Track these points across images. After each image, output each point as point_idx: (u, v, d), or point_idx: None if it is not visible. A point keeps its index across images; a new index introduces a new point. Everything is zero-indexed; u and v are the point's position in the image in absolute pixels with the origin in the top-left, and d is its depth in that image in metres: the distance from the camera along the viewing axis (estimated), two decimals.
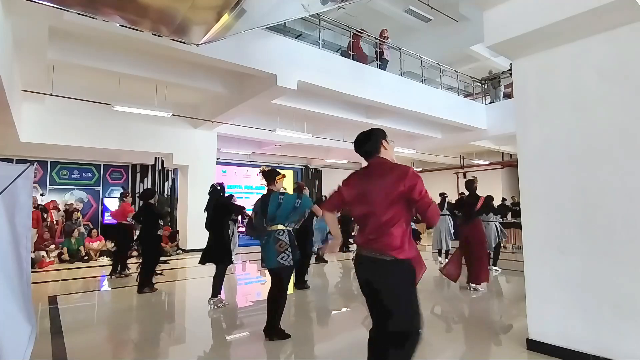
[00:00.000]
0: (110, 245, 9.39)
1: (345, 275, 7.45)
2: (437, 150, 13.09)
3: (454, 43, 11.64)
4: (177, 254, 9.80)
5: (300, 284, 5.72)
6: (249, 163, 14.82)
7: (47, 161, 11.24)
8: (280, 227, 3.57)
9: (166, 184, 11.63)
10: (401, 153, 12.61)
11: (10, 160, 8.94)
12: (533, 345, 3.22)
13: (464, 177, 16.66)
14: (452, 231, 8.24)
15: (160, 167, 11.04)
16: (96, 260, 8.97)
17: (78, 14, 3.80)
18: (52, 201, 10.73)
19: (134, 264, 7.19)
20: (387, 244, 2.01)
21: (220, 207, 4.95)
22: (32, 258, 7.10)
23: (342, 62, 7.61)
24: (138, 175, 12.47)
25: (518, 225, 7.75)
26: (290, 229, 3.65)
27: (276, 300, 3.55)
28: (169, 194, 11.86)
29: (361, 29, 8.72)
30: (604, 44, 3.01)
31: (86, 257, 8.85)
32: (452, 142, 12.21)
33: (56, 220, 10.28)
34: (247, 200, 11.69)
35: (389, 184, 2.05)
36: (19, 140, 7.79)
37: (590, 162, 3.02)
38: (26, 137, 7.88)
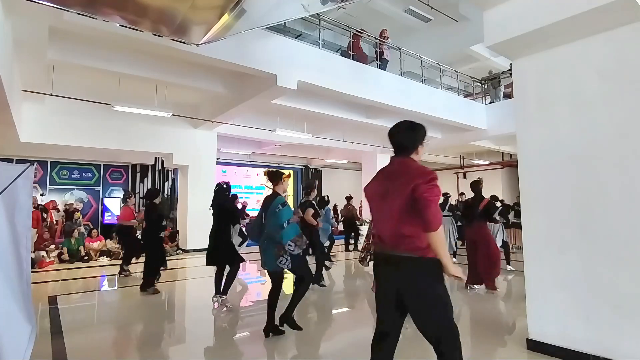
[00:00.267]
0: (112, 244, 9.40)
1: (351, 274, 7.45)
2: (437, 150, 13.09)
3: (454, 43, 11.64)
4: (177, 254, 9.80)
5: (317, 280, 5.67)
6: (249, 163, 14.83)
7: (47, 161, 11.25)
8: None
9: (166, 184, 11.63)
10: None
11: (10, 160, 8.94)
12: (533, 345, 3.22)
13: (464, 177, 16.68)
14: (456, 235, 8.25)
15: (160, 167, 11.05)
16: (96, 260, 8.97)
17: (78, 14, 3.80)
18: (52, 201, 10.73)
19: (135, 264, 7.18)
20: (412, 243, 1.93)
21: (225, 212, 4.91)
22: (32, 258, 7.10)
23: (342, 62, 7.61)
24: (138, 175, 12.48)
25: (518, 225, 7.74)
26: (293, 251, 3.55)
27: (296, 289, 3.65)
28: (169, 194, 11.86)
29: (361, 29, 8.72)
30: (604, 44, 3.01)
31: (86, 257, 8.85)
32: (452, 142, 12.21)
33: (56, 220, 10.28)
34: (247, 200, 11.68)
35: (406, 181, 1.96)
36: (19, 140, 7.79)
37: (590, 162, 3.03)
38: (26, 137, 7.88)
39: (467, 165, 15.58)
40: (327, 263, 6.67)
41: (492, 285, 5.39)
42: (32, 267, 6.32)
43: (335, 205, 12.69)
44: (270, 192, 3.71)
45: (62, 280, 7.00)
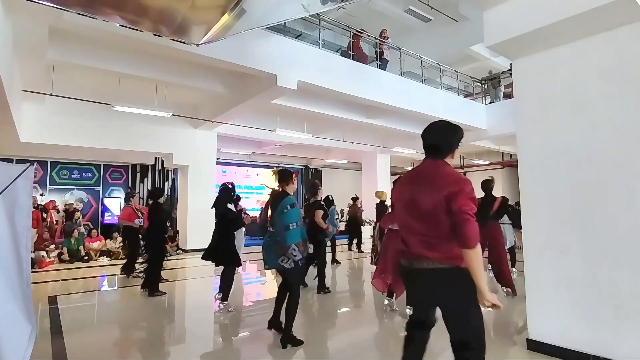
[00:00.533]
0: (112, 244, 9.39)
1: (356, 276, 7.45)
2: None
3: (454, 43, 11.64)
4: (177, 254, 9.80)
5: (322, 288, 5.54)
6: (249, 163, 14.83)
7: (47, 161, 11.25)
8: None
9: (166, 184, 11.63)
10: (401, 153, 12.61)
11: (10, 160, 8.94)
12: (533, 345, 3.22)
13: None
14: None
15: (160, 167, 11.04)
16: (96, 260, 8.97)
17: (78, 14, 3.80)
18: (52, 201, 10.73)
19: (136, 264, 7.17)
20: (442, 252, 1.81)
21: (227, 220, 4.82)
22: (32, 258, 7.10)
23: (342, 62, 7.61)
24: (138, 175, 12.48)
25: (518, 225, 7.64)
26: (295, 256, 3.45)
27: (287, 306, 3.44)
28: (169, 194, 11.86)
29: (361, 29, 8.72)
30: (604, 44, 3.01)
31: (86, 257, 8.85)
32: None
33: (56, 220, 10.28)
34: (247, 200, 11.69)
35: (438, 187, 1.82)
36: (19, 140, 7.78)
37: (590, 162, 3.02)
38: (26, 137, 7.88)
39: (467, 165, 15.58)
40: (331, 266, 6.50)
41: (513, 288, 5.19)
42: (32, 267, 6.31)
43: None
44: (269, 191, 3.67)
45: (62, 280, 7.00)
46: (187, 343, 3.82)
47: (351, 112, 9.37)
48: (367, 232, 12.25)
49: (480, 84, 11.83)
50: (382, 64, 8.94)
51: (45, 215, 9.76)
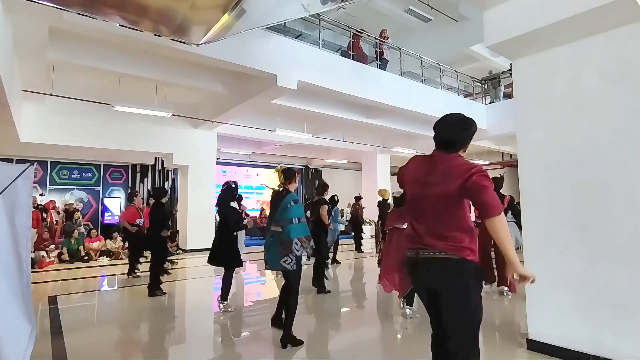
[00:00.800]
0: (112, 244, 9.40)
1: (354, 274, 7.45)
2: None
3: (454, 43, 11.64)
4: (177, 254, 9.79)
5: (321, 289, 5.53)
6: (249, 163, 14.82)
7: (47, 161, 11.24)
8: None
9: (166, 184, 11.63)
10: (401, 153, 12.61)
11: (10, 160, 8.94)
12: (533, 345, 3.22)
13: None
14: None
15: (160, 167, 11.05)
16: (96, 260, 8.97)
17: (78, 14, 3.81)
18: (52, 201, 10.74)
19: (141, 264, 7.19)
20: (451, 243, 1.78)
21: (229, 221, 4.79)
22: (32, 258, 7.10)
23: (342, 62, 7.61)
24: (138, 175, 12.47)
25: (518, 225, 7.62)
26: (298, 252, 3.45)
27: (286, 306, 3.46)
28: (169, 193, 11.86)
29: (361, 29, 8.72)
30: (604, 44, 3.01)
31: (86, 257, 8.85)
32: None
33: (56, 221, 10.28)
34: (247, 200, 11.67)
35: (452, 177, 1.79)
36: (19, 140, 7.78)
37: (590, 162, 3.02)
38: (26, 137, 7.88)
39: None
40: (327, 272, 6.48)
41: (513, 287, 5.17)
42: (32, 267, 6.30)
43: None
44: (269, 191, 3.68)
45: (62, 280, 7.00)
46: (187, 343, 3.82)
47: (351, 112, 9.37)
48: (367, 231, 12.26)
49: (480, 84, 11.83)
50: (382, 64, 8.94)
51: (45, 215, 9.77)
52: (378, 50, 8.98)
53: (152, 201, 6.13)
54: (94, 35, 5.18)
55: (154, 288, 5.44)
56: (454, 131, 1.90)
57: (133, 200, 7.15)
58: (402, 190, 3.83)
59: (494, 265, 5.34)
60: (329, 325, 4.37)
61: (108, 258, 9.14)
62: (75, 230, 9.32)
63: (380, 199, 8.15)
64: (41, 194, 10.92)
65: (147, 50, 5.96)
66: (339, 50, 8.97)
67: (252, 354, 3.46)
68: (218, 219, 4.93)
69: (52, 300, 5.28)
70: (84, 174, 11.95)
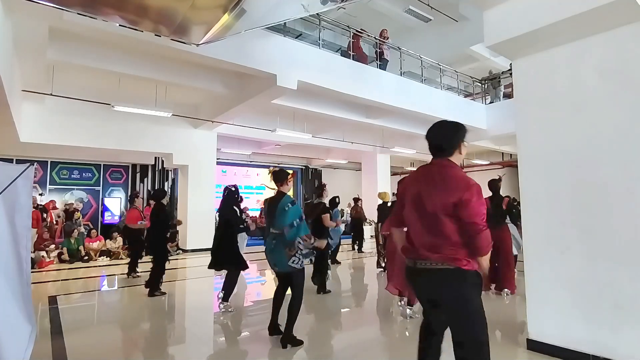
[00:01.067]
0: (112, 244, 9.40)
1: (355, 274, 7.45)
2: None
3: (454, 43, 11.64)
4: (177, 254, 9.80)
5: (322, 289, 5.54)
6: (249, 163, 14.83)
7: (47, 161, 11.25)
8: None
9: (166, 184, 11.63)
10: (401, 153, 12.61)
11: (10, 160, 8.93)
12: (533, 345, 3.22)
13: None
14: None
15: (160, 167, 11.04)
16: (96, 260, 8.97)
17: (78, 14, 3.81)
18: (52, 201, 10.74)
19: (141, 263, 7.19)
20: (447, 253, 1.83)
21: (226, 220, 4.82)
22: (32, 258, 7.10)
23: (342, 62, 7.61)
24: (138, 175, 12.48)
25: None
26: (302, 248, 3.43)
27: (290, 307, 3.41)
28: (169, 194, 11.86)
29: (361, 29, 8.72)
30: (604, 44, 3.01)
31: (86, 257, 8.85)
32: None
33: (56, 221, 10.28)
34: (247, 200, 11.67)
35: (446, 191, 1.84)
36: (19, 140, 7.79)
37: (590, 162, 3.02)
38: (26, 137, 7.88)
39: (467, 165, 15.58)
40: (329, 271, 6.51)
41: (514, 288, 5.19)
42: (32, 267, 6.30)
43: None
44: (269, 191, 3.65)
45: (62, 280, 7.00)
46: (187, 343, 3.82)
47: (351, 112, 9.37)
48: (367, 231, 12.25)
49: (480, 84, 11.83)
50: (382, 64, 8.94)
51: (45, 215, 9.77)
52: (378, 50, 8.98)
53: (152, 202, 6.13)
54: (94, 35, 5.18)
55: (154, 289, 5.44)
56: (442, 136, 1.99)
57: (134, 202, 7.17)
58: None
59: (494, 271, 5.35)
60: (329, 325, 4.37)
61: (108, 258, 9.14)
62: (75, 230, 9.32)
63: (381, 201, 8.15)
64: (41, 194, 10.92)
65: (147, 50, 5.96)
66: (339, 50, 8.97)
67: (252, 354, 3.46)
68: (217, 221, 4.90)
69: (52, 300, 5.28)
70: (84, 174, 11.95)
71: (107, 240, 9.55)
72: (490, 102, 11.42)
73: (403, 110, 8.89)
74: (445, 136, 1.98)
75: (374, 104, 8.38)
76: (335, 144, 12.11)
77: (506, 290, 5.25)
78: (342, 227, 7.70)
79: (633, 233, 2.77)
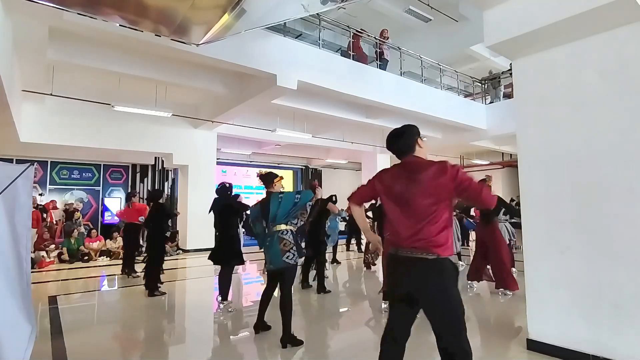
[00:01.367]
0: (112, 244, 9.39)
1: (353, 274, 7.45)
2: (437, 150, 13.09)
3: (454, 43, 11.64)
4: (177, 254, 9.80)
5: (322, 289, 5.55)
6: (249, 163, 14.82)
7: (47, 161, 11.24)
8: (282, 227, 3.49)
9: (166, 184, 11.63)
10: None
11: (10, 160, 8.94)
12: (533, 345, 3.22)
13: None
14: (459, 235, 8.24)
15: (160, 167, 11.04)
16: (96, 260, 8.97)
17: (78, 14, 3.80)
18: (52, 201, 10.74)
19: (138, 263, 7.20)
20: (431, 241, 1.92)
21: (226, 206, 4.89)
22: (32, 258, 7.10)
23: (342, 62, 7.61)
24: (138, 175, 12.47)
25: (518, 225, 7.69)
26: (294, 228, 3.56)
27: (282, 306, 3.41)
28: (169, 194, 11.86)
29: (361, 29, 8.72)
30: (604, 44, 3.01)
31: (86, 257, 8.85)
32: (452, 142, 12.21)
33: (56, 221, 10.28)
34: (248, 200, 11.66)
35: (429, 180, 1.96)
36: (19, 140, 7.79)
37: (590, 162, 3.02)
38: (26, 137, 7.88)
39: (467, 165, 15.57)
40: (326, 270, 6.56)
41: (515, 285, 5.16)
42: (32, 267, 6.31)
43: None
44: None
45: (62, 280, 7.00)
46: (186, 343, 3.82)
47: (351, 112, 9.38)
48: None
49: (480, 84, 11.83)
50: (382, 64, 8.94)
51: (45, 215, 9.76)
52: (378, 50, 8.98)
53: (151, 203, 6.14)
54: (94, 35, 5.18)
55: (154, 289, 5.45)
56: (398, 140, 2.15)
57: (131, 200, 7.18)
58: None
59: (489, 267, 5.41)
60: (329, 325, 4.36)
61: (108, 258, 9.14)
62: (75, 230, 9.32)
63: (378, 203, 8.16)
64: (41, 194, 10.91)
65: (147, 50, 5.96)
66: (339, 50, 8.97)
67: (252, 354, 3.46)
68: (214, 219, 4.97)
69: (52, 300, 5.28)
70: (84, 174, 11.95)
71: (107, 240, 9.56)
72: (490, 102, 11.42)
73: (403, 110, 8.88)
74: (399, 140, 2.15)
75: (374, 104, 8.38)
76: (335, 144, 12.11)
77: (502, 290, 5.26)
78: (339, 224, 7.75)
79: (633, 233, 2.77)
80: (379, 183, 2.19)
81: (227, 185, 5.03)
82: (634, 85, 2.85)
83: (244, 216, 5.22)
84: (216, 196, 5.02)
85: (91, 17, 3.83)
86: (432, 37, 11.96)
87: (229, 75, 7.39)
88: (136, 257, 7.09)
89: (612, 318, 2.83)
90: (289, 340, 3.39)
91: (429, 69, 10.31)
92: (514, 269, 6.55)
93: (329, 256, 7.58)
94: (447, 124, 10.57)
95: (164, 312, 5.00)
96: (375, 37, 9.09)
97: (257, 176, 3.77)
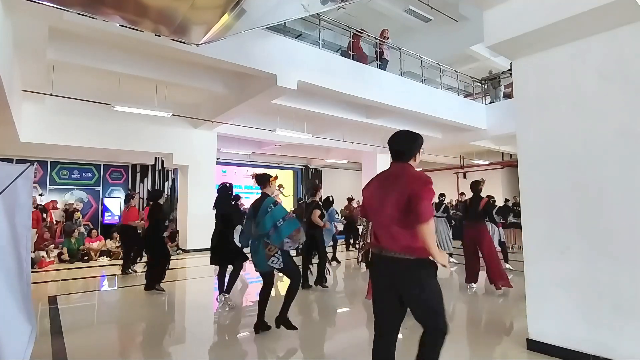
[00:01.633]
0: (112, 244, 9.39)
1: (351, 274, 7.45)
2: (437, 150, 13.09)
3: (454, 43, 11.64)
4: (177, 254, 9.80)
5: (320, 281, 5.77)
6: (249, 163, 14.82)
7: (47, 161, 11.24)
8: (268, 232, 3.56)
9: (166, 184, 11.63)
10: None
11: (10, 160, 8.94)
12: (533, 345, 3.22)
13: (464, 177, 16.68)
14: (450, 236, 8.35)
15: (160, 167, 11.05)
16: (96, 260, 8.97)
17: (78, 14, 3.80)
18: (52, 201, 10.74)
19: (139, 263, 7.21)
20: (408, 245, 2.05)
21: (225, 217, 4.94)
22: (32, 258, 7.10)
23: (342, 62, 7.61)
24: (138, 175, 12.48)
25: (518, 225, 7.76)
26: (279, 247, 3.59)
27: (287, 292, 3.66)
28: (169, 194, 11.86)
29: (361, 29, 8.72)
30: (604, 44, 3.01)
31: (86, 257, 8.85)
32: (452, 142, 12.21)
33: (56, 221, 10.28)
34: (248, 201, 11.65)
35: (402, 187, 2.08)
36: (19, 140, 7.78)
37: (590, 162, 3.03)
38: (26, 137, 7.88)
39: (467, 165, 15.57)
40: (329, 266, 6.70)
41: (507, 283, 5.31)
42: (32, 267, 6.32)
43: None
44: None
45: (62, 280, 7.00)
46: (186, 343, 3.82)
47: (351, 112, 9.37)
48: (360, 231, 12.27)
49: (480, 84, 11.83)
50: (382, 64, 8.93)
51: (45, 215, 9.76)
52: (378, 50, 8.97)
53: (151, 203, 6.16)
54: (94, 35, 5.17)
55: (153, 286, 5.49)
56: (403, 144, 2.23)
57: (130, 201, 7.20)
58: None
59: (481, 267, 5.53)
60: (328, 325, 4.37)
61: (108, 258, 9.14)
62: (76, 230, 9.32)
63: None
64: (41, 194, 10.92)
65: (147, 50, 5.96)
66: (339, 50, 8.96)
67: (252, 354, 3.46)
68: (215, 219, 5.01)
69: (52, 300, 5.28)
70: (84, 174, 11.95)
71: (107, 240, 9.56)
72: (490, 102, 11.41)
73: (403, 110, 8.88)
74: (405, 144, 2.23)
75: (374, 104, 8.38)
76: (335, 144, 12.11)
77: (476, 284, 5.44)
78: (333, 227, 7.82)
79: (633, 233, 2.77)
80: (365, 191, 2.34)
81: (228, 185, 5.05)
82: (634, 85, 2.85)
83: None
84: (217, 195, 5.05)
85: (91, 17, 3.82)
86: (432, 37, 11.96)
87: (229, 75, 7.39)
88: (132, 256, 7.12)
89: (612, 318, 2.83)
90: (284, 323, 3.62)
91: (429, 69, 10.31)
92: (507, 265, 6.73)
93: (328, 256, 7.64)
94: (447, 124, 10.57)
95: (164, 312, 5.00)
96: (375, 37, 9.09)
97: (252, 177, 3.85)
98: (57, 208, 10.74)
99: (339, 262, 8.22)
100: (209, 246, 5.01)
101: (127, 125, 9.02)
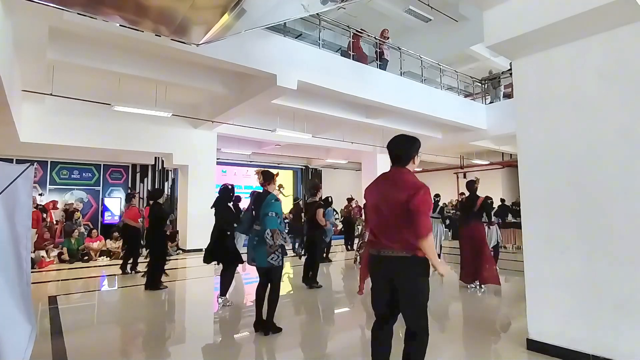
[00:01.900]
0: (112, 244, 9.39)
1: (347, 273, 7.44)
2: (437, 150, 13.10)
3: (454, 43, 11.64)
4: (177, 254, 9.79)
5: (312, 281, 5.80)
6: (249, 163, 14.84)
7: (47, 161, 11.25)
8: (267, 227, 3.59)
9: (166, 184, 11.63)
10: None
11: (10, 160, 8.93)
12: (533, 345, 3.22)
13: (464, 177, 16.67)
14: (443, 237, 8.47)
15: (160, 167, 11.04)
16: (96, 260, 8.97)
17: (78, 14, 3.80)
18: (53, 201, 10.74)
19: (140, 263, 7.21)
20: (405, 244, 2.18)
21: (225, 220, 4.95)
22: (32, 258, 7.10)
23: (342, 62, 7.61)
24: (138, 175, 12.48)
25: (518, 225, 7.76)
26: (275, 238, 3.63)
27: (270, 299, 3.66)
28: (169, 194, 11.86)
29: (361, 29, 8.72)
30: (604, 44, 3.01)
31: (86, 257, 8.85)
32: (452, 142, 12.21)
33: (56, 220, 10.28)
34: (248, 201, 11.68)
35: (399, 191, 2.20)
36: (19, 140, 7.78)
37: (590, 162, 3.03)
38: (26, 137, 7.88)
39: (467, 165, 15.57)
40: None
41: (497, 280, 5.43)
42: (32, 267, 6.32)
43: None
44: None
45: (62, 280, 7.00)
46: (186, 343, 3.82)
47: (351, 112, 9.37)
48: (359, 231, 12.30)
49: (480, 84, 11.82)
50: (382, 64, 8.93)
51: (45, 215, 9.76)
52: (378, 50, 8.97)
53: (151, 202, 6.19)
54: (94, 35, 5.17)
55: (154, 285, 5.49)
56: (401, 147, 2.35)
57: (131, 201, 7.21)
58: None
59: (475, 267, 5.56)
60: (327, 325, 4.37)
61: (108, 258, 9.13)
62: (76, 230, 9.32)
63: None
64: (41, 194, 10.92)
65: (147, 50, 5.96)
66: (339, 50, 8.96)
67: (252, 353, 3.46)
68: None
69: (52, 300, 5.28)
70: (84, 174, 11.95)
71: (107, 240, 9.55)
72: (490, 102, 11.41)
73: (403, 110, 8.88)
74: (403, 148, 2.35)
75: (374, 104, 8.38)
76: (335, 144, 12.11)
77: (486, 286, 5.46)
78: (332, 227, 7.91)
79: (633, 233, 2.77)
80: (366, 193, 2.44)
81: (230, 187, 5.06)
82: (634, 85, 2.85)
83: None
84: (217, 195, 5.06)
85: (91, 17, 3.82)
86: (432, 37, 11.96)
87: (229, 75, 7.39)
88: (133, 261, 7.13)
89: (612, 318, 2.83)
90: (271, 327, 3.67)
91: (429, 69, 10.31)
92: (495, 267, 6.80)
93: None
94: (447, 124, 10.57)
95: (164, 312, 5.00)
96: (375, 37, 9.09)
97: (257, 173, 3.89)
98: (57, 208, 10.73)
99: (329, 261, 8.26)
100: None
101: (127, 125, 9.02)
